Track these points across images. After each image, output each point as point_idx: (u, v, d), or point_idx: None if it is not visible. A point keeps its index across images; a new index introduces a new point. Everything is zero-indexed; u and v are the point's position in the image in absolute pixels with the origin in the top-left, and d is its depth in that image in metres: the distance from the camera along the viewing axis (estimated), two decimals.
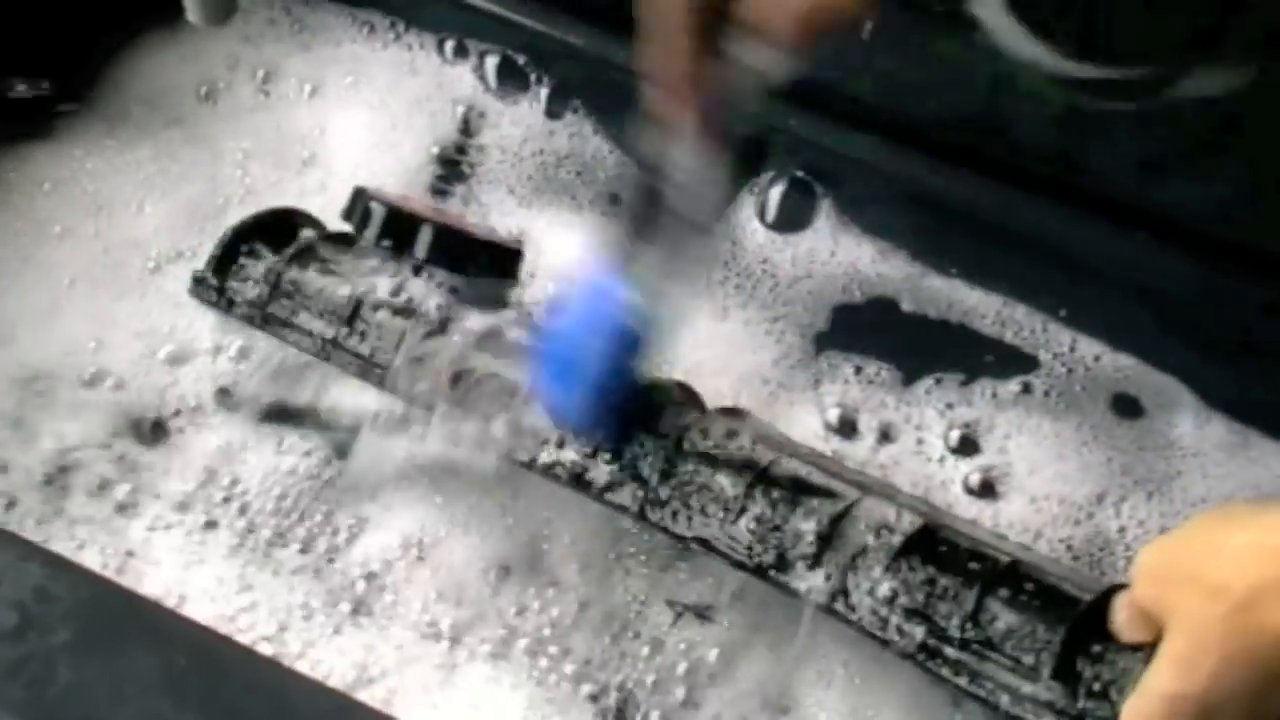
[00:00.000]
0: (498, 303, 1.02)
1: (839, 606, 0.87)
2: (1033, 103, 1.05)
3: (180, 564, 1.00)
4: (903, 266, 1.11)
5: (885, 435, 1.05)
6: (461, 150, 1.18)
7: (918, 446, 1.04)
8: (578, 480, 0.94)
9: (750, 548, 0.90)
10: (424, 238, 0.99)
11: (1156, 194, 1.03)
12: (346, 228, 1.03)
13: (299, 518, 1.01)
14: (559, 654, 0.96)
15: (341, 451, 1.02)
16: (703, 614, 0.96)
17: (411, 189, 1.15)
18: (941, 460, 1.03)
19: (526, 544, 0.99)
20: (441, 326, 0.98)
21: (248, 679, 0.89)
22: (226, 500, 1.03)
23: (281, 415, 1.04)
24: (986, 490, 1.03)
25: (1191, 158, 1.03)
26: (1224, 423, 1.05)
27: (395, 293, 0.99)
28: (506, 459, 0.95)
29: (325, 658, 0.96)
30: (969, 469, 1.03)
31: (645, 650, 0.96)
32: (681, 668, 0.95)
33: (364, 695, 0.94)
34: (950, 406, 1.06)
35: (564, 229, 1.14)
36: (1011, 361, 1.07)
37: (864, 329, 1.09)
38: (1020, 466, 1.03)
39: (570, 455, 0.94)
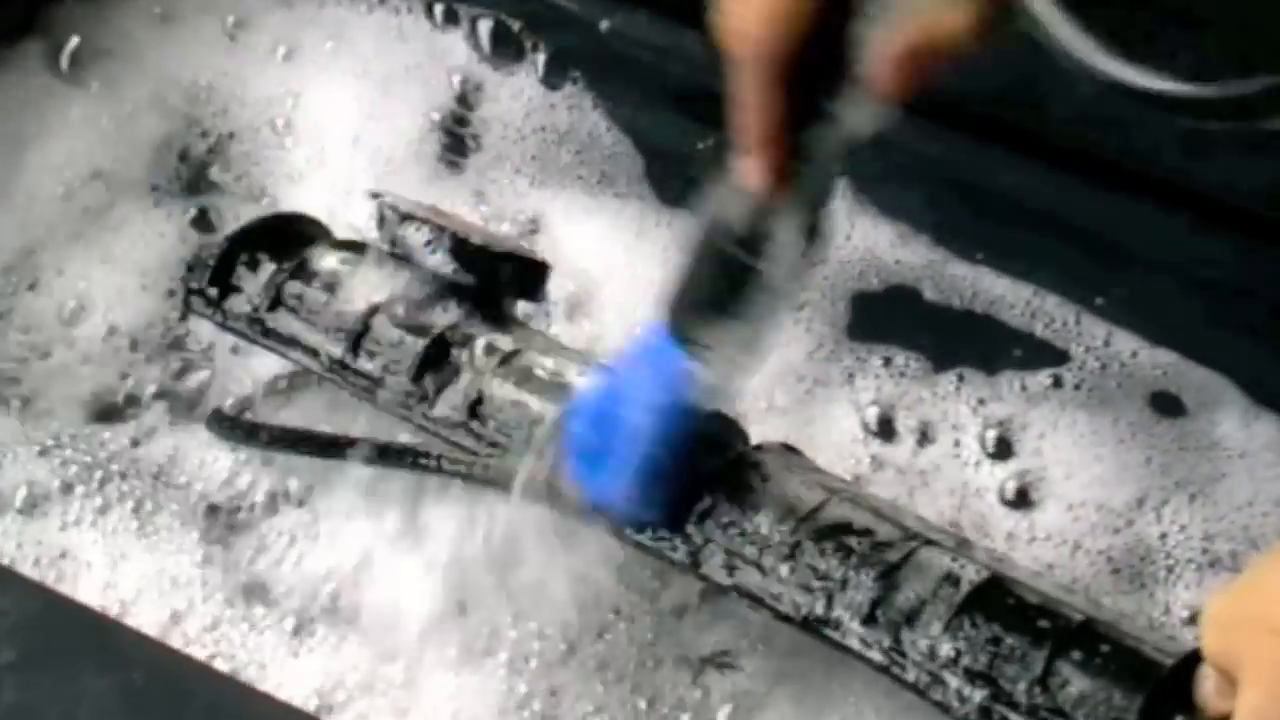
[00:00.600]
0: (516, 320, 0.96)
1: (892, 665, 0.82)
2: (1069, 74, 0.98)
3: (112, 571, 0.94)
4: (924, 252, 1.04)
5: (924, 436, 0.99)
6: (462, 122, 1.11)
7: (955, 449, 0.99)
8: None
9: (795, 599, 0.83)
10: (443, 248, 0.92)
11: (1203, 172, 0.98)
12: (353, 235, 0.98)
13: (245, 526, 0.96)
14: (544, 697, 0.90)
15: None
16: (721, 664, 0.90)
17: (419, 161, 1.09)
18: (978, 465, 0.98)
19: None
20: (461, 344, 0.91)
21: (212, 701, 0.86)
22: (159, 498, 0.97)
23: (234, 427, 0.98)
24: (1022, 499, 0.98)
25: (1242, 132, 0.96)
26: (1273, 420, 0.99)
27: (409, 309, 0.93)
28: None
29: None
30: (1005, 475, 0.98)
31: (643, 704, 0.90)
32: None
33: None
34: (982, 403, 1.01)
35: (582, 215, 1.08)
36: (1042, 356, 1.02)
37: (884, 320, 1.04)
38: (1056, 471, 0.98)
39: None
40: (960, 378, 1.01)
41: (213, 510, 0.97)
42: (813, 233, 0.75)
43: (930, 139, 1.03)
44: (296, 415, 0.99)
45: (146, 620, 0.92)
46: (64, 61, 1.14)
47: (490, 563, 0.91)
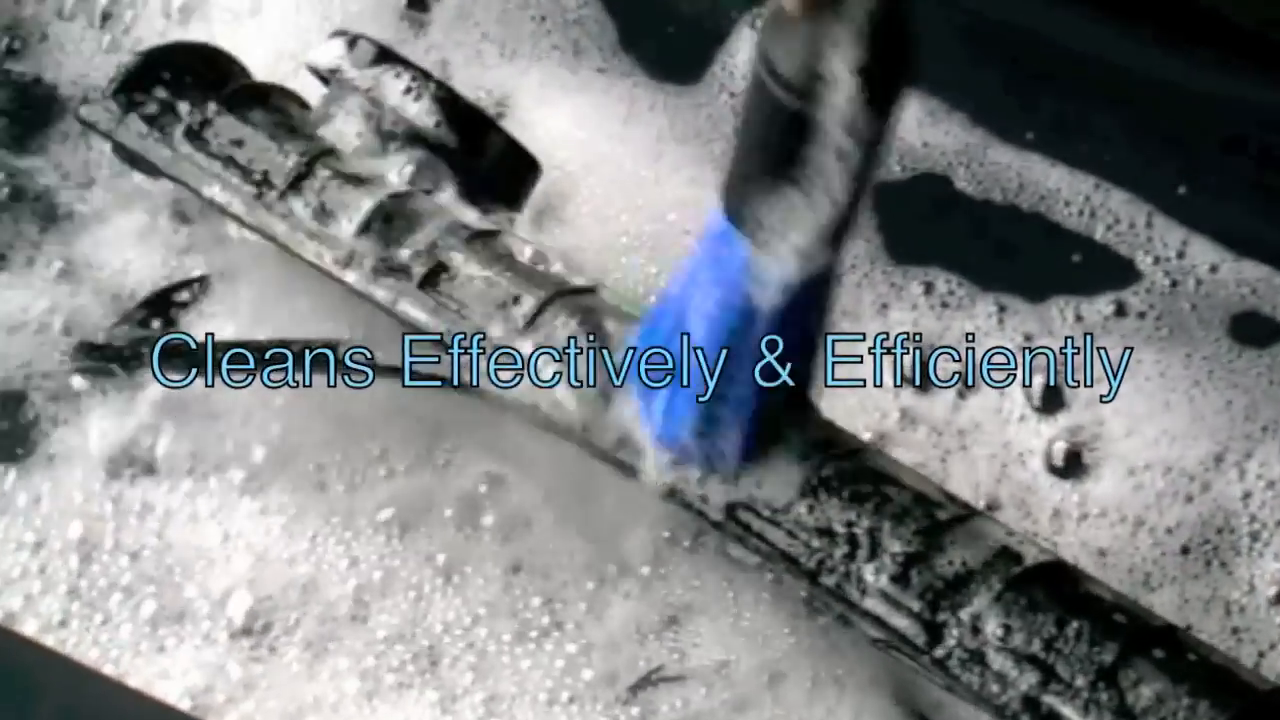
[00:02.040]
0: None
1: (918, 635, 0.72)
2: None
3: None
4: (959, 133, 0.95)
5: (965, 383, 0.89)
6: None
7: (998, 402, 0.89)
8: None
9: (810, 543, 0.73)
10: (428, 95, 0.85)
11: None
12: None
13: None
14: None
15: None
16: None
17: (380, 19, 0.98)
18: (1022, 420, 0.89)
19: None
20: (423, 206, 0.83)
21: (67, 702, 0.79)
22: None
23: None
24: (1072, 464, 0.88)
25: None
26: None
27: (369, 156, 0.85)
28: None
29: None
30: (1053, 433, 0.89)
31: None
32: None
33: None
34: (1029, 339, 0.90)
35: (559, 94, 0.96)
36: (1102, 272, 0.93)
37: (908, 222, 0.93)
38: (1115, 425, 0.91)
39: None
40: (1002, 307, 0.90)
41: None
42: (880, 78, 0.61)
43: None
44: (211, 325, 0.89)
45: None
46: None
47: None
